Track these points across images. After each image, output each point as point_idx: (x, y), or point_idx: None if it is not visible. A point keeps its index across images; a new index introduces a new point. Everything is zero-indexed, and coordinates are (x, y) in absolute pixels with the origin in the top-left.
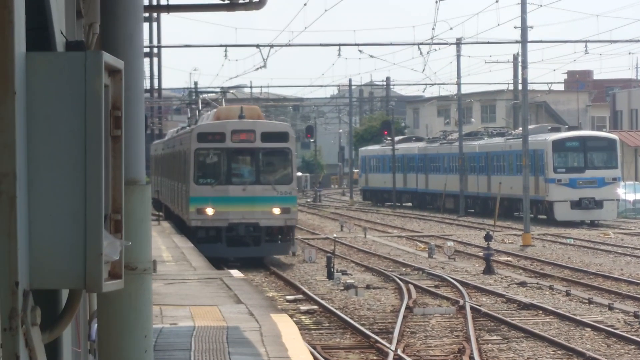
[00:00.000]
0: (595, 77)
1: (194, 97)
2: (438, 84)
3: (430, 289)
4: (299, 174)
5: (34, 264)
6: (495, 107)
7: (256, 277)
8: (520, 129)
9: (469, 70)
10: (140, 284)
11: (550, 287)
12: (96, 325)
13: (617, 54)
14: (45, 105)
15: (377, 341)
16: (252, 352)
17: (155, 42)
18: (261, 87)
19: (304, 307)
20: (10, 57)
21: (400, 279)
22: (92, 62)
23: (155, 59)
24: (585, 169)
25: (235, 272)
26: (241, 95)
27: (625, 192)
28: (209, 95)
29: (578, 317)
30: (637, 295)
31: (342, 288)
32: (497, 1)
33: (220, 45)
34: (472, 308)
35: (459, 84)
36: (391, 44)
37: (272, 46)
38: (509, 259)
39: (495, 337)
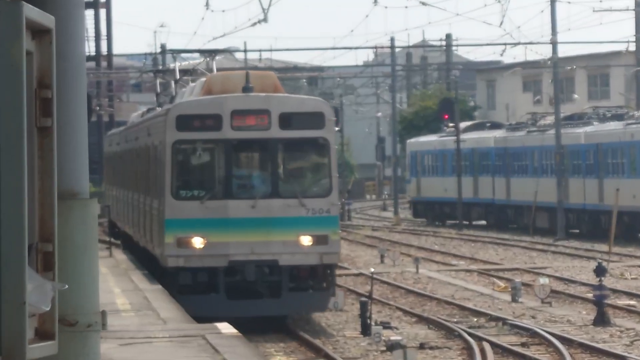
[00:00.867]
0: None
1: (162, 66)
2: (523, 43)
3: (515, 348)
4: None
5: None
6: (608, 76)
7: (255, 329)
8: None
9: (570, 23)
10: (82, 346)
11: None
12: None
13: None
14: None
15: None
16: None
17: None
18: (260, 50)
19: None
20: None
21: (470, 334)
22: (8, 17)
23: (103, 12)
24: None
25: (225, 326)
26: (231, 63)
27: None
28: (185, 63)
29: None
30: None
31: (384, 348)
32: None
33: None
34: None
35: (554, 44)
36: None
37: None
38: (633, 302)
39: None
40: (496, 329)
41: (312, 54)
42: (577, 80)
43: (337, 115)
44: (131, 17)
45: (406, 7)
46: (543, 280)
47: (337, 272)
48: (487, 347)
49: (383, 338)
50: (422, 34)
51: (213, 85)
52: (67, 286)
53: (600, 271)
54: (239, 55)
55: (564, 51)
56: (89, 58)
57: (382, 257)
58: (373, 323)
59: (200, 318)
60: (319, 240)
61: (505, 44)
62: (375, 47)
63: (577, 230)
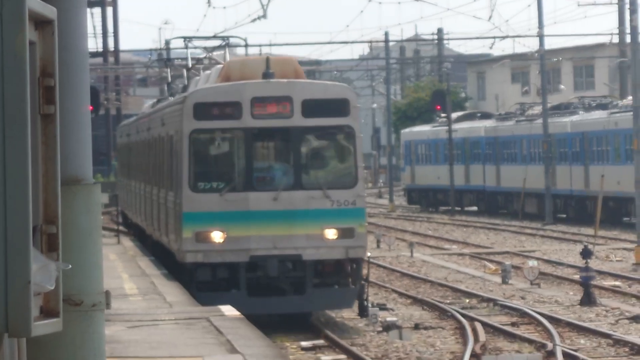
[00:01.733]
0: None
1: (167, 59)
2: (511, 36)
3: (505, 327)
4: None
5: None
6: (593, 68)
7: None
8: (630, 98)
9: (556, 16)
10: (87, 325)
11: None
12: None
13: None
14: None
15: None
16: None
17: None
18: (260, 45)
19: (326, 358)
20: None
21: (462, 315)
22: (11, 8)
23: (110, 10)
24: None
25: (228, 309)
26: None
27: None
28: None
29: None
30: None
31: (380, 329)
32: None
33: None
34: (565, 354)
35: (541, 37)
36: None
37: None
38: (617, 283)
39: None
40: (487, 310)
41: (309, 48)
42: (563, 72)
43: None
44: (137, 14)
45: (399, 2)
46: (532, 263)
47: None
48: (478, 326)
49: (379, 319)
50: (414, 28)
51: (231, 72)
52: (70, 266)
53: (586, 254)
54: (240, 50)
55: (550, 44)
56: (97, 54)
57: (378, 242)
58: (370, 305)
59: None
60: (345, 233)
61: (494, 37)
62: (370, 42)
63: (564, 215)
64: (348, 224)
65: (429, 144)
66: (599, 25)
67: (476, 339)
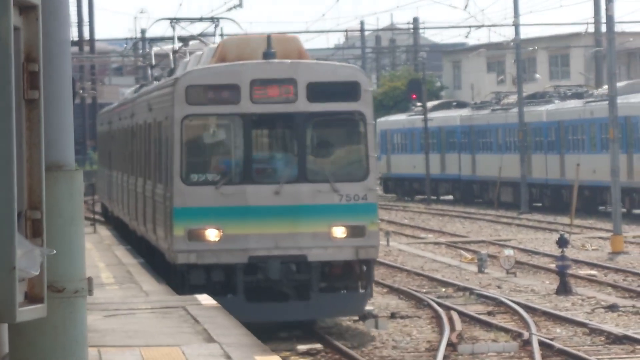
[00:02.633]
0: None
1: (151, 39)
2: (487, 26)
3: (481, 317)
4: None
5: None
6: (568, 57)
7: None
8: (606, 87)
9: (531, 6)
10: (69, 311)
11: None
12: None
13: None
14: None
15: None
16: None
17: None
18: (237, 35)
19: (302, 347)
20: None
21: (438, 304)
22: None
23: None
24: None
25: (204, 298)
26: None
27: None
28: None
29: None
30: None
31: (357, 318)
32: None
33: None
34: (541, 343)
35: (516, 26)
36: None
37: None
38: (593, 272)
39: None
40: (463, 299)
41: None
42: (539, 61)
43: None
44: (112, 3)
45: None
46: (508, 252)
47: None
48: (455, 316)
49: None
50: (390, 17)
51: (227, 52)
52: (55, 251)
53: (562, 243)
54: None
55: (526, 33)
56: (72, 43)
57: None
58: None
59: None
60: (354, 231)
61: (469, 27)
62: (346, 31)
63: (540, 204)
64: (358, 221)
65: (405, 133)
66: (575, 14)
67: (452, 328)
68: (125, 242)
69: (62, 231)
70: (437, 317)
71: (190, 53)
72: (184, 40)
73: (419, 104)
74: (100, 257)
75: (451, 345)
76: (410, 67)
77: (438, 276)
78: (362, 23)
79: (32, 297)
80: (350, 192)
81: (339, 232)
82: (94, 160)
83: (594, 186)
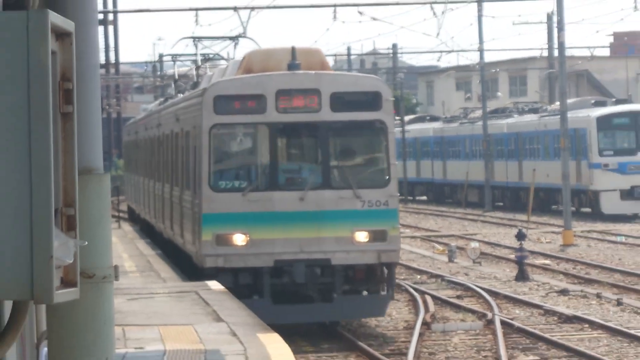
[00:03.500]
0: None
1: (175, 55)
2: (456, 51)
3: (451, 300)
4: None
5: None
6: (526, 78)
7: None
8: (558, 103)
9: (494, 33)
10: (99, 294)
11: (598, 296)
12: (46, 349)
13: None
14: None
15: None
16: None
17: (110, 7)
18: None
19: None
20: None
21: (414, 289)
22: (36, 22)
23: (111, 28)
24: (638, 150)
25: (214, 284)
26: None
27: None
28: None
29: (632, 332)
30: None
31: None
32: None
33: (190, 9)
34: (503, 322)
35: (481, 51)
36: (398, 4)
37: (252, 8)
38: (547, 261)
39: (531, 357)
40: (436, 285)
41: None
42: (500, 81)
43: None
44: (134, 31)
45: (360, 21)
46: (474, 244)
47: None
48: (428, 299)
49: None
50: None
51: (253, 63)
52: (86, 243)
53: (520, 236)
54: (223, 63)
55: (489, 57)
56: (100, 66)
57: None
58: None
59: (185, 269)
60: (376, 236)
61: (441, 52)
62: (335, 55)
63: (501, 203)
64: (380, 226)
65: None
66: (531, 41)
67: (426, 310)
68: (146, 237)
69: (92, 226)
70: (414, 300)
71: (214, 67)
72: (206, 56)
73: (397, 118)
74: (124, 249)
75: (425, 324)
76: (390, 86)
77: (414, 265)
78: (348, 48)
79: (67, 282)
80: (372, 198)
81: (362, 236)
82: (118, 166)
83: (547, 188)
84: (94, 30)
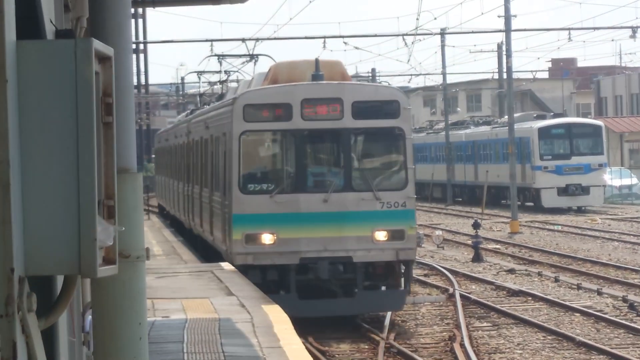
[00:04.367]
0: (580, 64)
1: (200, 72)
2: (423, 74)
3: (420, 277)
4: None
5: (29, 251)
6: (480, 96)
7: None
8: (506, 117)
9: (454, 60)
10: (133, 271)
11: (539, 274)
12: (90, 317)
13: (601, 40)
14: (36, 92)
15: (369, 330)
16: (244, 343)
17: (141, 39)
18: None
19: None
20: (1, 45)
21: None
22: (82, 48)
23: (142, 56)
24: (571, 155)
25: (226, 265)
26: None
27: (612, 178)
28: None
29: (567, 303)
30: (625, 280)
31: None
32: None
33: (206, 40)
34: (461, 296)
35: (444, 74)
36: (376, 35)
37: (257, 40)
38: (498, 246)
39: (485, 324)
40: None
41: None
42: (460, 99)
43: None
44: (160, 58)
45: (345, 50)
46: (438, 232)
47: None
48: None
49: None
50: (355, 68)
51: (279, 74)
52: (123, 228)
53: (476, 226)
54: (234, 85)
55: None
56: (134, 86)
57: None
58: None
59: (200, 250)
60: (395, 235)
61: (411, 75)
62: None
63: (460, 199)
64: (398, 225)
65: None
66: (485, 66)
67: None
68: (171, 227)
69: (128, 215)
70: None
71: (231, 82)
72: (228, 73)
73: None
74: (153, 236)
75: None
76: None
77: None
78: None
79: (107, 260)
80: (391, 199)
81: (381, 235)
82: (148, 169)
83: (498, 186)
84: (129, 57)
